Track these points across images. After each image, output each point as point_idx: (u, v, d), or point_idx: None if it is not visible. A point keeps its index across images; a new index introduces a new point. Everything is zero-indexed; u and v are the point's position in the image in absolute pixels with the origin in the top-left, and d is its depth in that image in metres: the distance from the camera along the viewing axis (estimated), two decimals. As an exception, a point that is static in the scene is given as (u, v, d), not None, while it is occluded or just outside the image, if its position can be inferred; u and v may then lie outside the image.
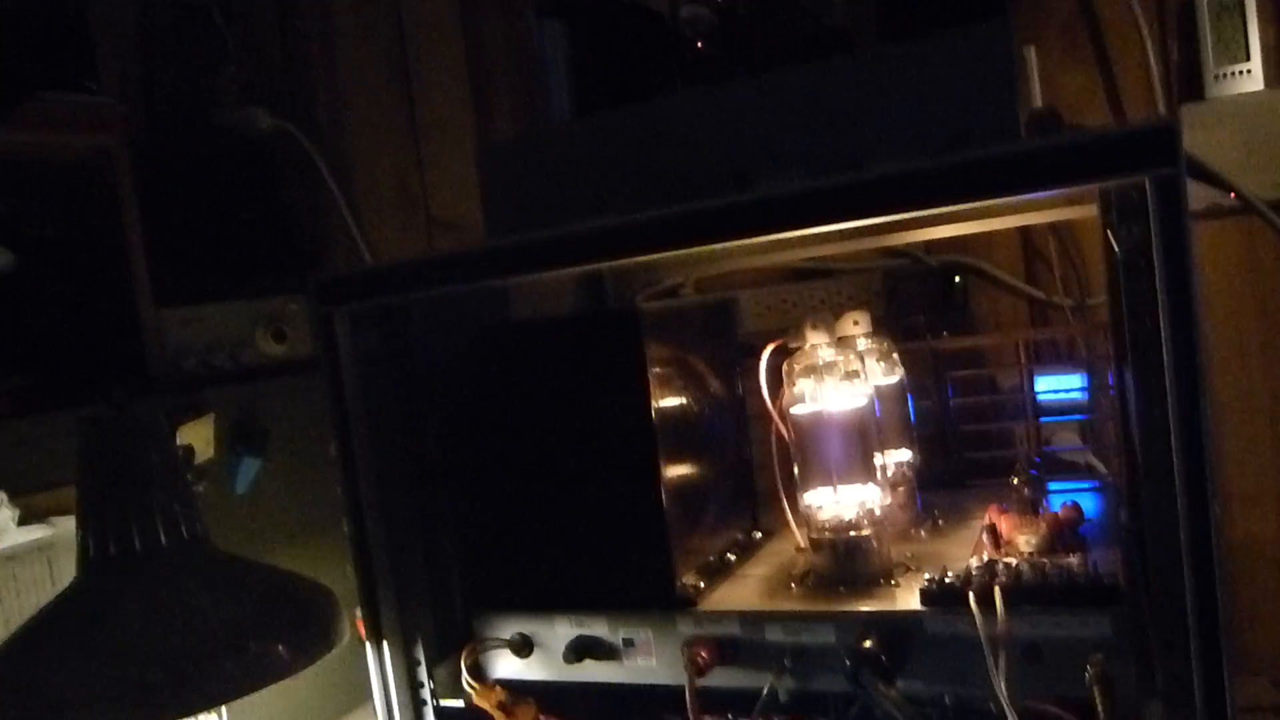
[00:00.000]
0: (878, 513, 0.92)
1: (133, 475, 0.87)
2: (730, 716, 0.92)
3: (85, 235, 1.28)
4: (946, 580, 0.81)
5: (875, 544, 0.90)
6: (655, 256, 0.82)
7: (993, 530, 0.92)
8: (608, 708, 0.98)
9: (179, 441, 1.18)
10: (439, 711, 0.98)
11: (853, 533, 0.91)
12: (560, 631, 0.94)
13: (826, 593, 0.89)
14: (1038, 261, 1.27)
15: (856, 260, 1.30)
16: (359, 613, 0.96)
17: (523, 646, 0.95)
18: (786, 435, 0.95)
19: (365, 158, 1.62)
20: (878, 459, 0.95)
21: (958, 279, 1.27)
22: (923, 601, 0.81)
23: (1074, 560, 0.84)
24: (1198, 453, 0.65)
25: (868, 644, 0.80)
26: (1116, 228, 0.70)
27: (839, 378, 0.93)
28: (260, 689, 0.83)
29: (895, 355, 1.10)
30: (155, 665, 0.79)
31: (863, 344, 1.04)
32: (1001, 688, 0.73)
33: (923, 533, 1.04)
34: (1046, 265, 1.26)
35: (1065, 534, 0.90)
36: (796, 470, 0.95)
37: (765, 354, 0.96)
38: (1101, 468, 1.20)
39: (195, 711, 0.83)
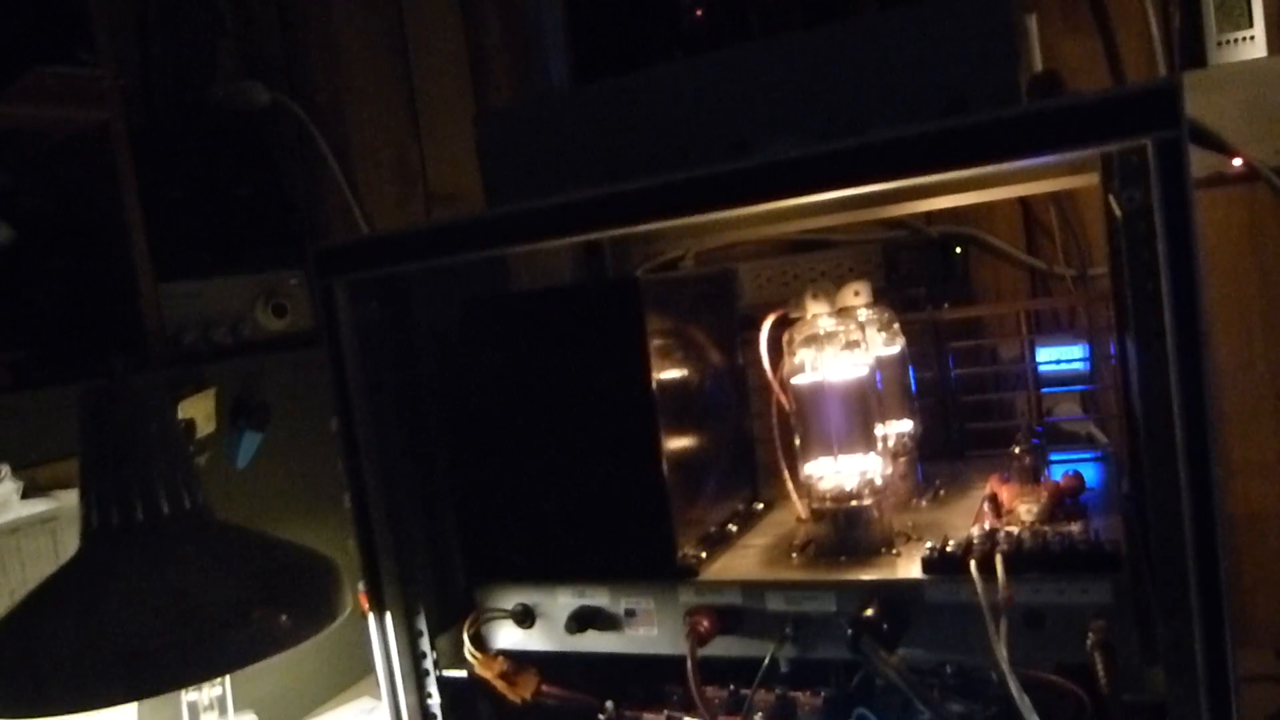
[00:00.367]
0: (879, 483, 0.92)
1: (134, 446, 0.88)
2: (732, 686, 0.92)
3: (84, 209, 1.28)
4: (948, 549, 0.81)
5: (876, 514, 0.90)
6: (655, 225, 0.82)
7: (994, 499, 0.92)
8: (610, 677, 0.98)
9: (180, 416, 1.18)
10: (441, 682, 0.99)
11: (854, 503, 0.90)
12: (562, 602, 0.94)
13: (827, 562, 0.89)
14: (1038, 232, 1.27)
15: (856, 232, 1.30)
16: (362, 586, 0.97)
17: (524, 617, 0.96)
18: (787, 405, 0.95)
19: (363, 132, 1.62)
20: (879, 429, 0.94)
21: (958, 250, 1.26)
22: (924, 570, 0.81)
23: (1075, 528, 0.84)
24: (1199, 420, 0.65)
25: (869, 612, 0.80)
26: (1119, 193, 0.69)
27: (840, 347, 0.93)
28: (264, 659, 0.84)
29: (896, 326, 1.09)
30: (158, 635, 0.80)
31: (863, 314, 1.04)
32: (1003, 653, 0.73)
33: (924, 503, 1.04)
34: (1047, 235, 1.26)
35: (1067, 503, 0.90)
36: (797, 441, 0.95)
37: (766, 324, 0.95)
38: (1103, 438, 1.20)
39: (198, 681, 0.84)
